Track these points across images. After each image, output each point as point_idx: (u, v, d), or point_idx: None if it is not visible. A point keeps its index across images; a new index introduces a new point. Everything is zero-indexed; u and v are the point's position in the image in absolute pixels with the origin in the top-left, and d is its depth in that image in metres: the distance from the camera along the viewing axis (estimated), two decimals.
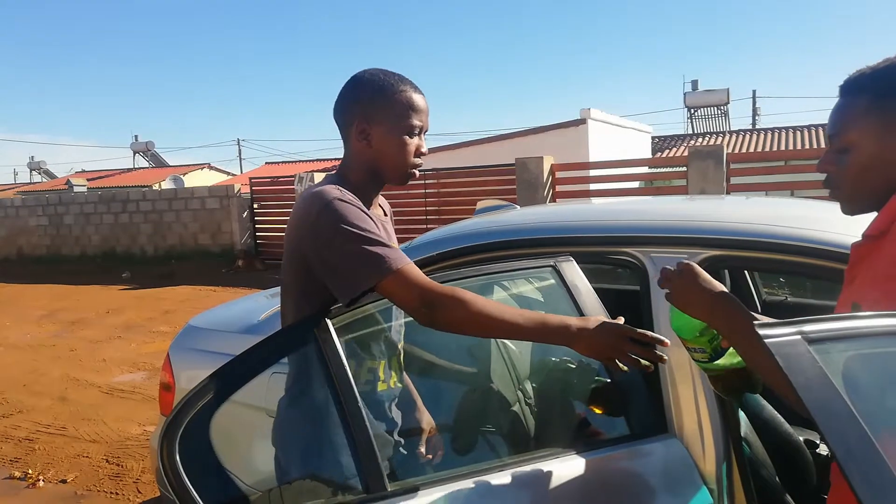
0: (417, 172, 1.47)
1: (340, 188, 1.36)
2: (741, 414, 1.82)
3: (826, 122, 1.17)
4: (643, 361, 1.23)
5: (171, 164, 31.58)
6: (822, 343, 0.76)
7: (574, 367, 1.73)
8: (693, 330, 1.21)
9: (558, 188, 9.33)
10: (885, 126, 1.05)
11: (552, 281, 1.63)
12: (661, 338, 1.24)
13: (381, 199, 1.59)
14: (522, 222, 2.03)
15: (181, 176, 23.36)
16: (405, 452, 1.55)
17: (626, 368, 1.24)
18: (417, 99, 1.43)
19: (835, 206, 1.21)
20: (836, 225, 1.55)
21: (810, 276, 1.66)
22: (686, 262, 1.20)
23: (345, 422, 1.23)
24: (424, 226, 9.66)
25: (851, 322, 0.79)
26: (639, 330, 1.25)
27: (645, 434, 1.55)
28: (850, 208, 1.14)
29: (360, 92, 1.42)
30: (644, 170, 11.00)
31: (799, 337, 0.75)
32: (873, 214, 1.10)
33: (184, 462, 1.10)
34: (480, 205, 2.57)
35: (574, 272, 1.62)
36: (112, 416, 4.79)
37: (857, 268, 1.08)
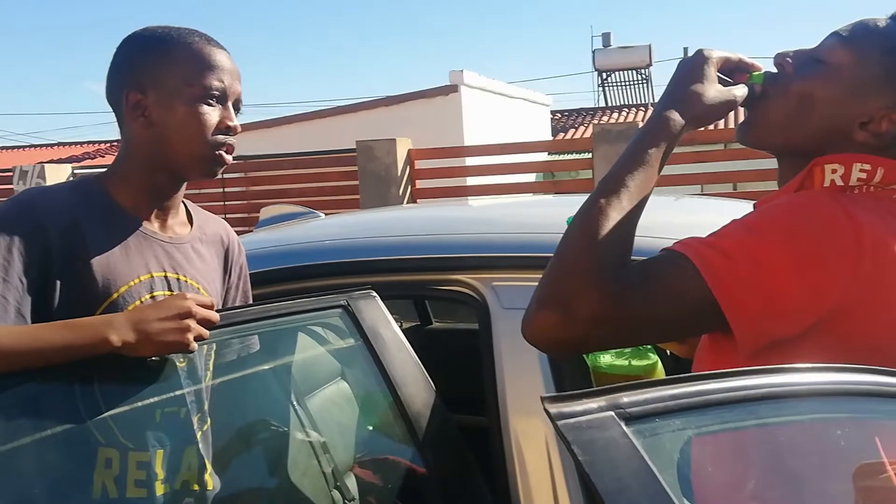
0: (228, 156, 1.50)
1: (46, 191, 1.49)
2: None
3: None
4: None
5: None
6: (647, 421, 0.75)
7: (402, 450, 1.76)
8: None
9: (419, 183, 9.39)
10: (882, 83, 1.14)
11: (343, 328, 1.64)
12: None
13: (195, 211, 1.65)
14: (311, 241, 2.05)
15: None
16: None
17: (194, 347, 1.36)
18: (214, 52, 1.49)
19: None
20: None
21: None
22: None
23: None
24: None
25: (692, 386, 0.79)
26: (201, 309, 1.36)
27: None
28: (753, 133, 1.24)
29: (130, 53, 1.50)
30: (543, 156, 11.34)
31: (611, 414, 0.73)
32: None
33: None
34: (265, 213, 2.50)
35: (376, 314, 1.64)
36: None
37: None
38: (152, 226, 1.53)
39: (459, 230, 1.96)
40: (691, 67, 1.16)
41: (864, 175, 1.12)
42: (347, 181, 9.53)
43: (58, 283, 1.38)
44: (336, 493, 1.89)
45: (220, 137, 1.48)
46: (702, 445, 0.82)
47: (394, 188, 9.14)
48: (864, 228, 1.01)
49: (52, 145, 23.61)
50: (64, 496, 1.41)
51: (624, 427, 0.73)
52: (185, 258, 1.55)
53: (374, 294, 1.65)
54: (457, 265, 1.78)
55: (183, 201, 1.61)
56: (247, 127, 13.60)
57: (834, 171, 1.13)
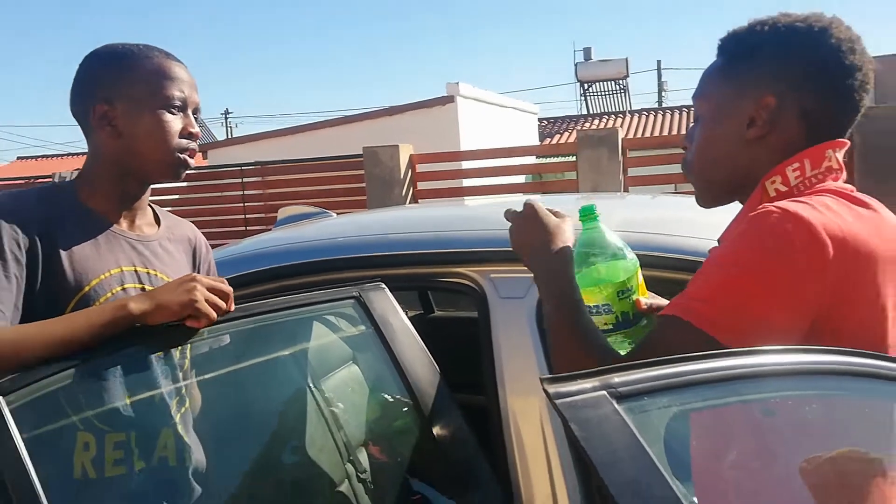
0: (191, 160, 1.50)
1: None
2: None
3: None
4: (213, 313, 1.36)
5: None
6: (637, 399, 0.74)
7: (410, 427, 1.76)
8: (590, 279, 1.26)
9: (420, 185, 9.39)
10: (736, 93, 1.19)
11: (355, 317, 1.63)
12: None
13: (163, 214, 1.62)
14: (323, 238, 2.04)
15: None
16: None
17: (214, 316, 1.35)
18: (174, 66, 1.49)
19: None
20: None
21: None
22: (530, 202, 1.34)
23: None
24: (243, 237, 9.34)
25: (676, 367, 0.79)
26: (206, 279, 1.37)
27: None
28: (701, 197, 1.29)
29: (94, 68, 1.48)
30: (531, 159, 11.31)
31: (604, 393, 0.73)
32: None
33: None
34: (283, 213, 2.50)
35: (385, 304, 1.63)
36: None
37: None
38: (121, 226, 1.51)
39: (460, 227, 1.96)
40: (535, 218, 1.34)
41: (798, 173, 1.15)
42: (355, 184, 9.53)
43: (36, 279, 1.36)
44: (349, 467, 1.90)
45: (184, 142, 1.47)
46: (693, 421, 0.82)
47: (397, 190, 9.13)
48: (817, 226, 1.02)
49: (85, 154, 23.54)
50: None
51: (616, 405, 0.73)
52: (153, 254, 1.53)
53: (384, 286, 1.64)
54: (458, 259, 1.78)
55: (150, 205, 1.59)
56: (264, 136, 13.59)
57: (773, 182, 1.16)
